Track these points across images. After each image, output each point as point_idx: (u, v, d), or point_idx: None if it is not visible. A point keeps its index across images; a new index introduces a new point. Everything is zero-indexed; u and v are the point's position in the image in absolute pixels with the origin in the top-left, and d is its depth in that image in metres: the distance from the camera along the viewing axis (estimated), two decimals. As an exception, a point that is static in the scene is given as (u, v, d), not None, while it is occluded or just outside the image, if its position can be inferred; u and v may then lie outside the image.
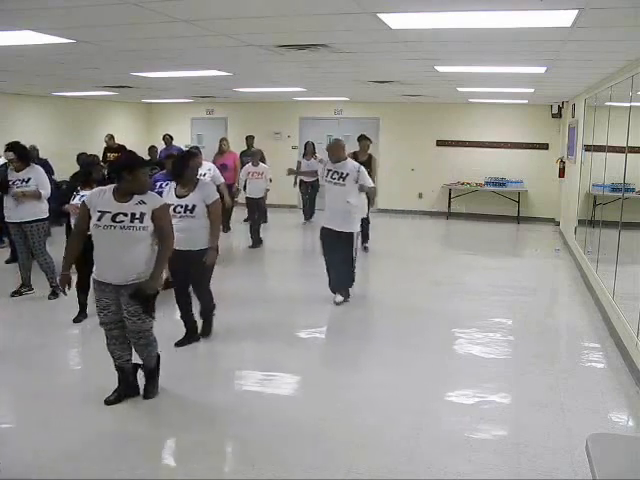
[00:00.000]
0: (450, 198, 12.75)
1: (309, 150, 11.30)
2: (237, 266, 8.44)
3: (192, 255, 4.86)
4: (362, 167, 6.26)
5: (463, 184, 12.70)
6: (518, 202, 12.37)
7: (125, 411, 3.96)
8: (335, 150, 6.28)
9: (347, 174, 6.14)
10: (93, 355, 4.79)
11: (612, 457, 2.25)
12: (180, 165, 4.96)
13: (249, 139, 11.66)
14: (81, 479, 3.20)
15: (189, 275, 5.03)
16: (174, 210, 4.78)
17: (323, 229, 6.39)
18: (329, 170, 6.23)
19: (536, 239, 11.12)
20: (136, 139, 13.42)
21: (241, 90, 10.39)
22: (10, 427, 3.87)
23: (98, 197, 3.84)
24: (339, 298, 6.39)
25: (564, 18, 3.77)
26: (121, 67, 6.98)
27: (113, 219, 3.74)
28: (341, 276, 6.39)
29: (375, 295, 7.12)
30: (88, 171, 5.74)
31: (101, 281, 3.86)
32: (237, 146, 11.35)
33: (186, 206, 4.86)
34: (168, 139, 11.83)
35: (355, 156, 8.14)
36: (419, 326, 5.92)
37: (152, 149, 11.21)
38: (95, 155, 6.97)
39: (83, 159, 5.93)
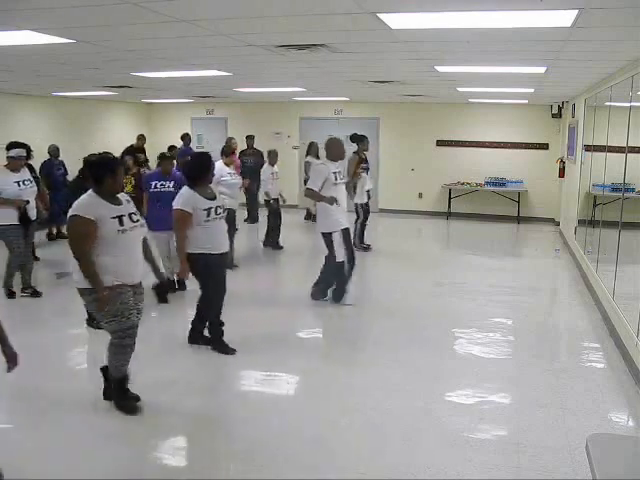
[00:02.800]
0: (450, 198, 12.75)
1: (314, 150, 11.31)
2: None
3: (224, 258, 4.94)
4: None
5: (463, 184, 12.70)
6: (518, 202, 12.37)
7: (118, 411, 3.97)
8: (338, 149, 6.27)
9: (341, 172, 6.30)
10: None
11: (612, 457, 2.25)
12: (202, 166, 4.83)
13: (249, 139, 11.66)
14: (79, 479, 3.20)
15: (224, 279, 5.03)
16: (215, 212, 4.74)
17: (346, 230, 6.22)
18: (335, 172, 6.16)
19: (536, 239, 11.12)
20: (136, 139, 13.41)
21: (241, 90, 10.39)
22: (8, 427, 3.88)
23: (96, 206, 3.70)
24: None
25: (564, 18, 3.76)
26: (121, 67, 6.98)
27: (132, 220, 3.78)
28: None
29: (375, 295, 7.12)
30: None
31: (125, 284, 3.77)
32: (238, 146, 11.33)
33: (217, 207, 4.80)
34: (189, 138, 11.89)
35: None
36: (419, 326, 5.92)
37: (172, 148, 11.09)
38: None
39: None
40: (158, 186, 6.51)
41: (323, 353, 5.25)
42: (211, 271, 4.77)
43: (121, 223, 3.70)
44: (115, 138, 12.72)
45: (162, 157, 6.76)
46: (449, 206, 12.78)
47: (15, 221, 6.13)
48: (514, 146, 12.48)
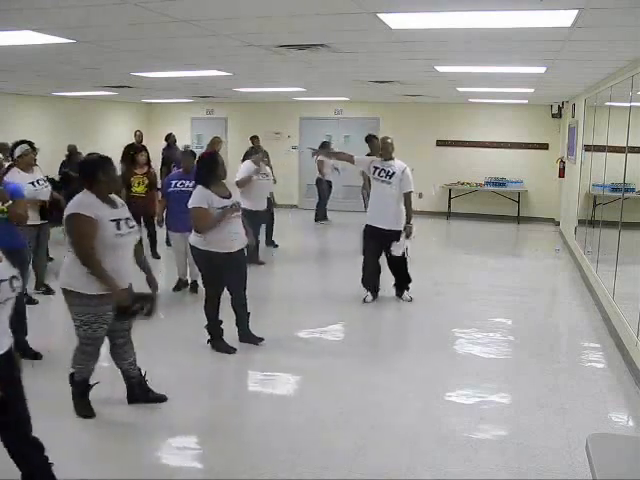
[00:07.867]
0: (450, 198, 12.75)
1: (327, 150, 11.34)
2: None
3: (239, 255, 4.92)
4: (407, 169, 6.25)
5: (463, 184, 12.70)
6: (518, 202, 12.38)
7: (121, 412, 3.97)
8: (387, 148, 6.26)
9: (393, 173, 6.17)
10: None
11: (612, 457, 2.25)
12: (212, 165, 4.81)
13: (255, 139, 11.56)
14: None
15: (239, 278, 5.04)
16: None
17: (368, 227, 6.36)
18: (376, 168, 6.22)
19: (536, 239, 11.12)
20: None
21: (241, 90, 10.39)
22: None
23: (94, 205, 3.55)
24: (369, 297, 6.44)
25: (564, 18, 3.77)
26: (121, 67, 6.99)
27: (128, 226, 3.65)
28: (399, 276, 6.53)
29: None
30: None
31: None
32: (238, 146, 11.36)
33: (232, 205, 4.76)
34: (173, 138, 11.86)
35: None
36: (419, 326, 5.92)
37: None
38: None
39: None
40: (178, 185, 6.32)
41: (321, 353, 5.23)
42: (214, 269, 4.81)
43: (118, 227, 3.57)
44: (115, 138, 12.71)
45: (183, 154, 6.57)
46: (449, 206, 12.78)
47: (33, 221, 5.93)
48: (514, 146, 12.48)
